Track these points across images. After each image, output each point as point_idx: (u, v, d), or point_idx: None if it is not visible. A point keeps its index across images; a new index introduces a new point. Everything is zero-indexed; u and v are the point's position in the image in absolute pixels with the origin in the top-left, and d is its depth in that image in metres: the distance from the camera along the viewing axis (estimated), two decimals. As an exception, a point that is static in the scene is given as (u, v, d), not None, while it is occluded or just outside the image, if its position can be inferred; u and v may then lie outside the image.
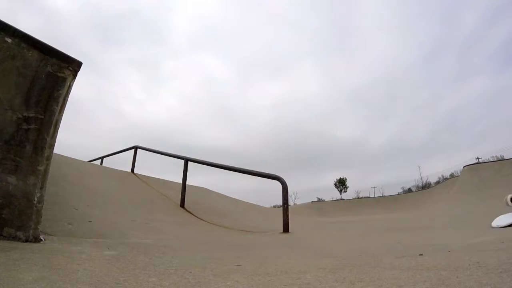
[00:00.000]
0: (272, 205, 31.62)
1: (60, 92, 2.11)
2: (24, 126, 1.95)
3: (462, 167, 22.38)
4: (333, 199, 41.90)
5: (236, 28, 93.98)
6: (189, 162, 6.14)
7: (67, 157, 7.09)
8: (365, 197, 37.43)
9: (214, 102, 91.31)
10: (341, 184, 48.50)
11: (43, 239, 1.95)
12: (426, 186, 37.20)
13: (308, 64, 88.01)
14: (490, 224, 3.53)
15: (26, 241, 1.83)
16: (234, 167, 5.49)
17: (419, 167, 68.58)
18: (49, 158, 2.03)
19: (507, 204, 3.76)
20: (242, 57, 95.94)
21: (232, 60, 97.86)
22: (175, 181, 7.84)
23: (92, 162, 9.94)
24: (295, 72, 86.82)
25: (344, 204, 33.43)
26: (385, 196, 35.21)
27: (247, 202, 9.91)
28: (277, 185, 4.46)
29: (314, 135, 73.66)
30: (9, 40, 1.93)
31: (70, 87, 2.19)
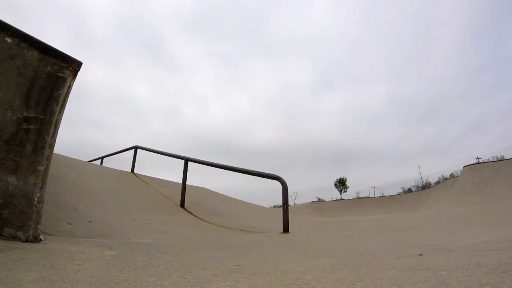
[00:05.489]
0: (272, 205, 31.67)
1: (60, 92, 2.11)
2: (24, 126, 1.95)
3: (462, 167, 22.38)
4: (333, 199, 41.91)
5: (329, 36, 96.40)
6: (189, 162, 6.14)
7: (67, 157, 7.09)
8: (365, 197, 37.42)
9: (284, 105, 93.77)
10: (341, 184, 48.49)
11: (43, 239, 1.95)
12: (426, 186, 37.21)
13: (378, 77, 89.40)
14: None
15: (26, 241, 1.83)
16: (234, 167, 5.49)
17: (419, 167, 68.79)
18: (49, 158, 2.03)
19: None
20: (324, 65, 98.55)
21: (315, 66, 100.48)
22: (175, 181, 7.84)
23: (92, 162, 9.94)
24: (364, 83, 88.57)
25: (344, 204, 33.43)
26: (385, 196, 35.22)
27: (247, 202, 9.90)
28: (277, 185, 4.46)
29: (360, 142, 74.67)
30: (9, 40, 1.92)
31: (70, 87, 2.19)
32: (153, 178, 8.03)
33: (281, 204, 4.34)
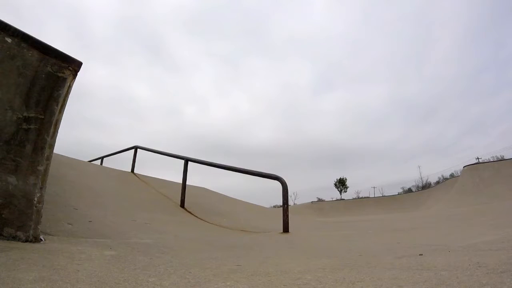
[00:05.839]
0: (272, 205, 31.68)
1: (60, 92, 2.11)
2: (24, 126, 1.95)
3: (462, 167, 22.38)
4: (333, 199, 41.91)
5: (329, 36, 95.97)
6: (189, 162, 6.14)
7: (67, 157, 7.09)
8: (365, 197, 37.42)
9: (284, 105, 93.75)
10: (341, 184, 48.50)
11: (43, 239, 1.95)
12: (426, 186, 37.21)
13: (378, 77, 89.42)
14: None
15: (26, 241, 1.83)
16: (234, 167, 5.49)
17: (419, 167, 68.82)
18: (49, 158, 2.03)
19: None
20: (324, 65, 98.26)
21: (315, 66, 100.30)
22: (175, 181, 7.84)
23: (92, 162, 9.94)
24: (364, 83, 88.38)
25: (344, 204, 33.43)
26: (385, 196, 35.22)
27: (247, 202, 9.90)
28: (277, 185, 4.46)
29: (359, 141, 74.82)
30: (9, 40, 1.93)
31: (70, 87, 2.19)
32: (153, 178, 8.04)
33: (281, 204, 4.34)
